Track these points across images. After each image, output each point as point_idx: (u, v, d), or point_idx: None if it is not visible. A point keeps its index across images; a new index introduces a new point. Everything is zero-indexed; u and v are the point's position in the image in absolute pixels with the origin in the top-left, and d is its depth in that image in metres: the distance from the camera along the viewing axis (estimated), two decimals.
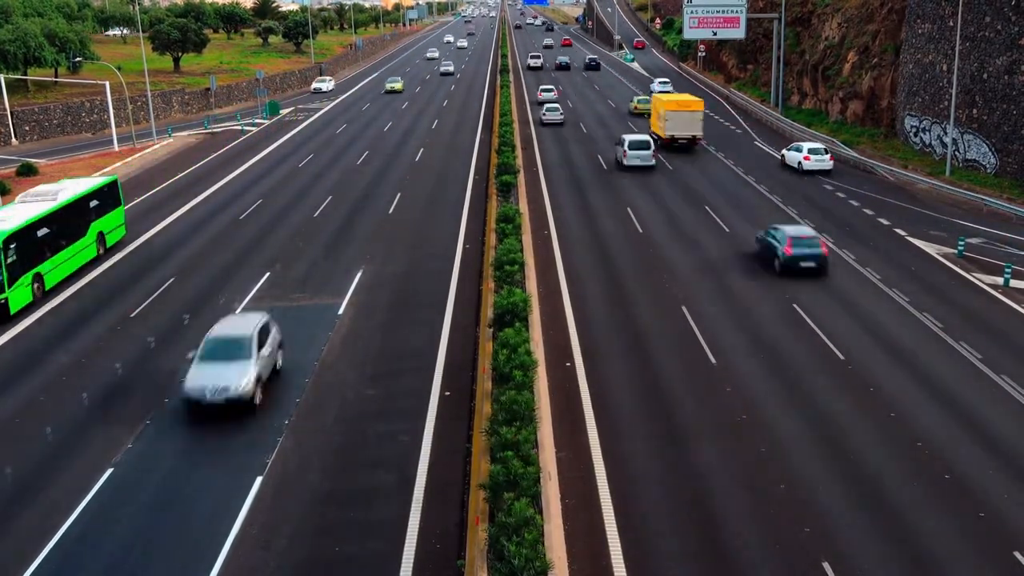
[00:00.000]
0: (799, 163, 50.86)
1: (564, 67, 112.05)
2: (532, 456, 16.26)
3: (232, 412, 21.88)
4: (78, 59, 76.19)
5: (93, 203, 34.67)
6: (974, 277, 32.16)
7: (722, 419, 21.74)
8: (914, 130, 53.38)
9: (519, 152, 51.42)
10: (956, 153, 48.20)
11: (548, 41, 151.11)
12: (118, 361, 25.91)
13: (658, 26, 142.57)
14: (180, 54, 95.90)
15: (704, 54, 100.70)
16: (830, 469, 19.45)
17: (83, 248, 33.68)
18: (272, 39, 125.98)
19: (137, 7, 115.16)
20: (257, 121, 75.11)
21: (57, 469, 20.10)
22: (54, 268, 31.22)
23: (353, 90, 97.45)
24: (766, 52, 79.55)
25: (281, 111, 79.58)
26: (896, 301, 29.70)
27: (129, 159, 57.58)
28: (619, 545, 16.95)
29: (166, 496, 18.94)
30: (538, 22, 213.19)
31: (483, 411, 19.65)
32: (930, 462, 19.74)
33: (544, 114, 69.00)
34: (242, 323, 23.91)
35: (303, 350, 26.21)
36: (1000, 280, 31.44)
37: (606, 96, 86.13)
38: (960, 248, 34.81)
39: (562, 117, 68.70)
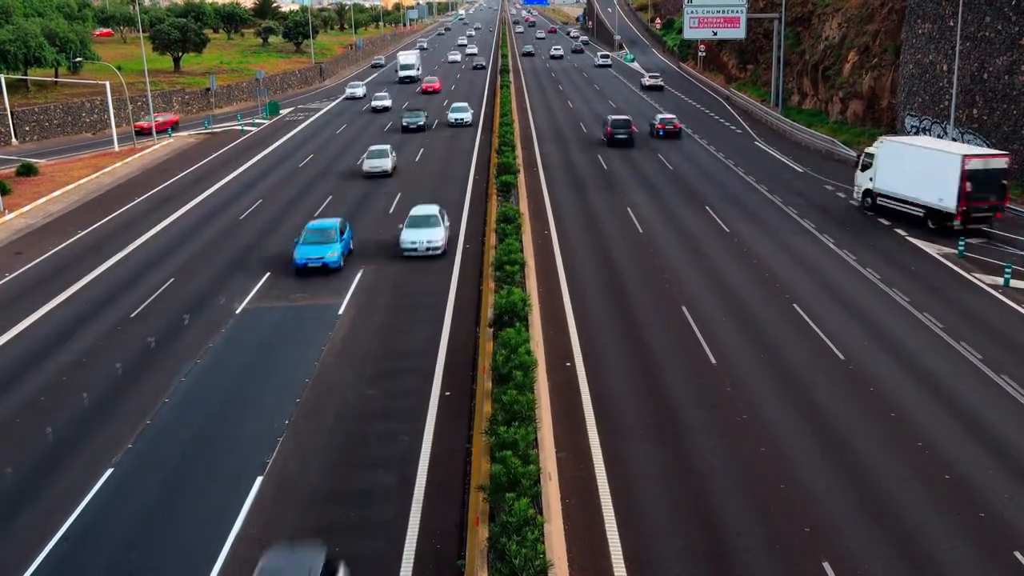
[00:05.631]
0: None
1: None
2: (532, 456, 16.24)
3: None
4: (78, 59, 76.19)
5: None
6: (974, 277, 32.16)
7: (723, 419, 21.74)
8: (914, 130, 53.37)
9: (519, 152, 51.43)
10: None
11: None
12: (118, 361, 25.95)
13: (658, 26, 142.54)
14: (180, 54, 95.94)
15: (704, 54, 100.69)
16: (832, 472, 19.46)
17: None
18: (272, 39, 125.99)
19: (137, 7, 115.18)
20: (257, 121, 75.10)
21: (58, 468, 20.12)
22: None
23: None
24: (766, 52, 79.54)
25: (281, 111, 79.60)
26: (896, 301, 29.70)
27: (129, 159, 57.63)
28: (619, 545, 16.95)
29: (166, 496, 18.97)
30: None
31: (483, 411, 19.64)
32: (930, 462, 19.74)
33: None
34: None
35: (303, 350, 26.23)
36: (1000, 280, 31.44)
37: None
38: (960, 248, 34.80)
39: None
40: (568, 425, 21.50)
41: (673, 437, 20.93)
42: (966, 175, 36.85)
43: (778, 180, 48.89)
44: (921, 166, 38.96)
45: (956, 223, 37.20)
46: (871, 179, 41.75)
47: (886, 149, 41.39)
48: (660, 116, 62.96)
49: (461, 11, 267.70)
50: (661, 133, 61.20)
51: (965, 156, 37.14)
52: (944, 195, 37.44)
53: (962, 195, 36.88)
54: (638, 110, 76.19)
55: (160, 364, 25.62)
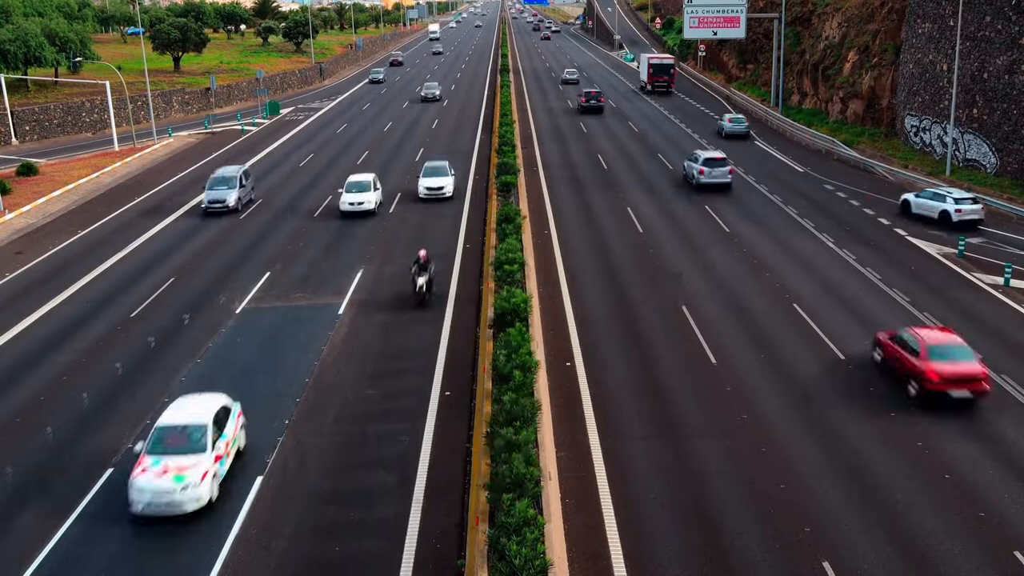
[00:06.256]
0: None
1: None
2: (532, 456, 16.25)
3: None
4: (78, 59, 76.17)
5: None
6: (974, 277, 32.15)
7: (723, 419, 21.74)
8: (914, 130, 53.36)
9: (519, 152, 51.40)
10: (956, 153, 48.18)
11: None
12: (118, 361, 25.94)
13: (658, 26, 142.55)
14: (180, 54, 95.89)
15: (704, 54, 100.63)
16: (832, 472, 19.46)
17: None
18: (272, 39, 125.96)
19: (137, 7, 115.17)
20: (257, 121, 75.09)
21: (58, 468, 20.13)
22: None
23: (353, 90, 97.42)
24: (766, 52, 79.52)
25: (281, 111, 79.59)
26: (896, 301, 29.69)
27: (129, 159, 57.59)
28: (619, 545, 16.96)
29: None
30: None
31: (483, 411, 19.65)
32: (929, 461, 19.74)
33: None
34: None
35: (303, 350, 26.23)
36: (1000, 280, 31.43)
37: None
38: (960, 248, 34.80)
39: None
40: (568, 425, 21.50)
41: (673, 437, 20.93)
42: (650, 66, 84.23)
43: (778, 180, 48.88)
44: (643, 64, 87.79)
45: (648, 87, 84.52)
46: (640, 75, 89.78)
47: (640, 59, 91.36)
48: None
49: (434, 27, 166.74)
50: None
51: (649, 56, 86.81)
52: (644, 76, 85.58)
53: (649, 76, 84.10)
54: (637, 108, 76.21)
55: (160, 364, 25.61)
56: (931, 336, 22.85)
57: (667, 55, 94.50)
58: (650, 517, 17.86)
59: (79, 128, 71.34)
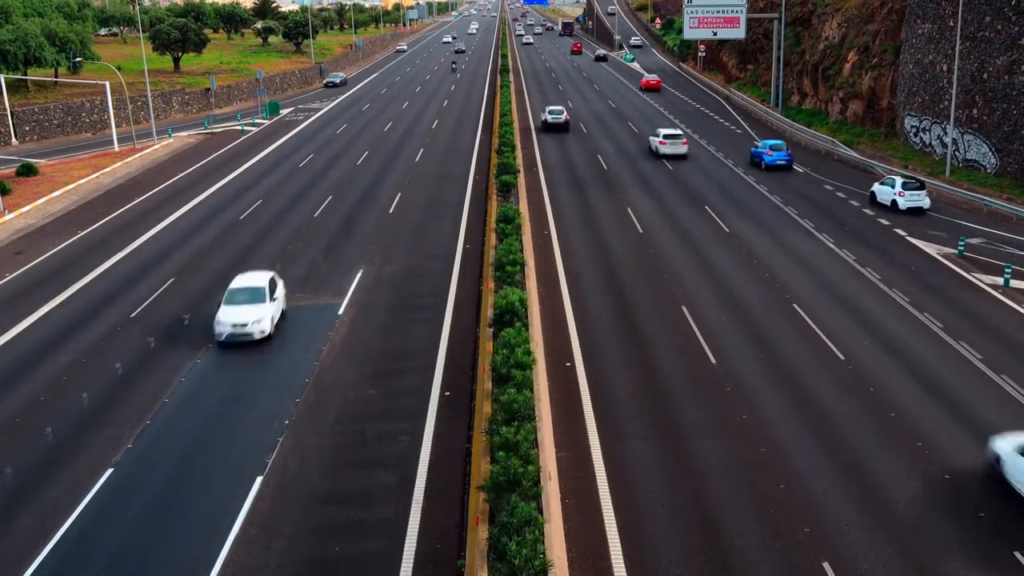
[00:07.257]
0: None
1: None
2: (532, 456, 16.25)
3: None
4: (78, 59, 76.19)
5: None
6: (974, 277, 32.16)
7: (723, 419, 21.74)
8: (914, 130, 53.37)
9: (519, 152, 51.43)
10: (956, 153, 48.19)
11: None
12: (118, 361, 25.93)
13: (658, 26, 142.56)
14: (180, 54, 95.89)
15: (704, 54, 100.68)
16: (832, 472, 19.47)
17: None
18: (272, 39, 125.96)
19: (137, 7, 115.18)
20: (257, 121, 75.10)
21: (57, 468, 20.12)
22: None
23: (354, 90, 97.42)
24: (766, 52, 79.55)
25: (281, 111, 79.60)
26: (896, 301, 29.70)
27: (129, 159, 57.58)
28: (619, 545, 16.96)
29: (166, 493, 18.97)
30: None
31: (483, 411, 19.65)
32: (930, 462, 19.75)
33: None
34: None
35: (303, 350, 26.23)
36: (1000, 280, 31.44)
37: None
38: (960, 248, 34.81)
39: None
40: (568, 425, 21.50)
41: (673, 437, 20.94)
42: (562, 23, 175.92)
43: (778, 180, 48.88)
44: (559, 24, 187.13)
45: (563, 33, 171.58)
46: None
47: (559, 22, 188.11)
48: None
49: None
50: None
51: (562, 20, 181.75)
52: (560, 28, 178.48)
53: (563, 29, 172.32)
54: (637, 109, 76.23)
55: (160, 364, 25.61)
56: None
57: (574, 21, 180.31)
58: (650, 517, 17.86)
59: (79, 128, 71.34)
